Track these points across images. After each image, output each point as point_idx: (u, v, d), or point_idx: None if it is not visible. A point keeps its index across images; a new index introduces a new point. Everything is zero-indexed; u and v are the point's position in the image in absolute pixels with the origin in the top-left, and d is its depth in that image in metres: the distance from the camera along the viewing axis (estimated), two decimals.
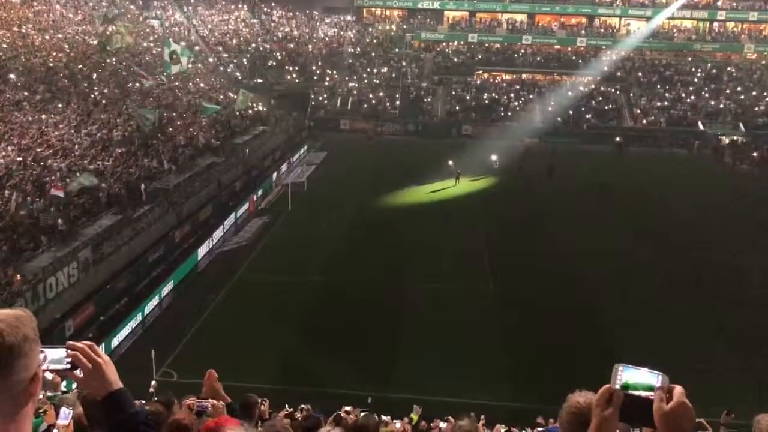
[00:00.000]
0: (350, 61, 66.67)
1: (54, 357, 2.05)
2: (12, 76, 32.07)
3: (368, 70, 65.60)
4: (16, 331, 1.73)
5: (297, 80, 62.82)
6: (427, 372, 19.36)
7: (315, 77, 63.53)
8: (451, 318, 22.97)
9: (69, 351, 2.06)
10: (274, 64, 64.10)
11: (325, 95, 61.79)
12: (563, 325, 22.44)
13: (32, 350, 1.77)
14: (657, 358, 20.16)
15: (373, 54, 67.89)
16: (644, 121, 59.88)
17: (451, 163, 42.00)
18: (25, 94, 31.14)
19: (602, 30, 71.70)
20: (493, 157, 44.74)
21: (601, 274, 27.35)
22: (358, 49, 68.47)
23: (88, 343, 2.11)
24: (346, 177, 41.46)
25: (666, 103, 61.78)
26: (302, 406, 12.70)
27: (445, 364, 19.84)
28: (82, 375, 2.07)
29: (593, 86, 64.15)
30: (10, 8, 42.15)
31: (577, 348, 20.86)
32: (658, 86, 64.19)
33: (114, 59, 43.11)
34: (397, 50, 68.57)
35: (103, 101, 35.77)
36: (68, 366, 2.06)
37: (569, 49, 69.98)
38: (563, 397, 2.61)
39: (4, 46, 35.54)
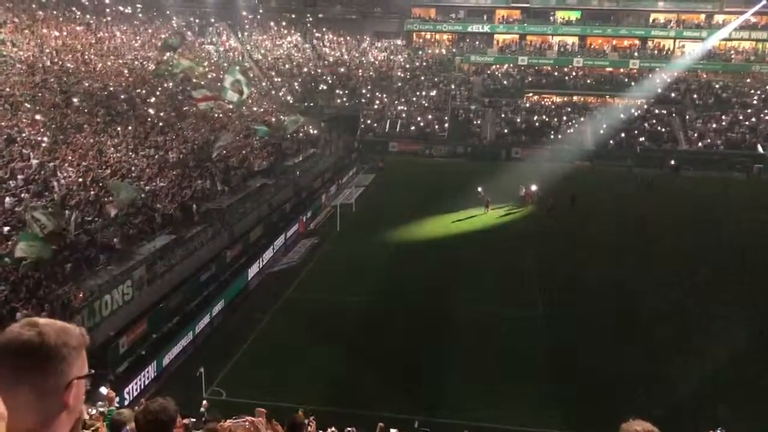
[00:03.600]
0: (399, 84, 67.21)
1: None
2: (75, 100, 33.36)
3: (417, 93, 65.99)
4: (58, 336, 1.77)
5: (347, 103, 63.63)
6: (473, 397, 19.09)
7: (365, 100, 64.24)
8: (498, 342, 22.67)
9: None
10: (325, 88, 65.11)
11: (374, 118, 62.38)
12: (611, 351, 21.90)
13: (72, 357, 1.80)
14: (710, 391, 19.50)
15: (422, 77, 68.31)
16: (700, 144, 58.45)
17: (480, 189, 40.68)
18: (87, 116, 32.34)
19: (656, 52, 70.53)
20: (533, 188, 42.11)
21: (650, 298, 26.67)
22: (407, 73, 69.01)
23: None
24: (395, 199, 41.60)
25: (723, 126, 60.22)
26: (348, 429, 12.69)
27: (492, 390, 19.54)
28: None
29: (646, 108, 63.06)
30: (75, 35, 44.01)
31: (626, 375, 20.33)
32: (715, 108, 62.63)
33: (171, 84, 44.46)
34: (446, 73, 68.83)
35: (160, 124, 36.86)
36: None
37: (621, 70, 69.06)
38: (614, 426, 2.56)
39: (69, 71, 37.05)
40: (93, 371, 1.95)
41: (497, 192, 40.95)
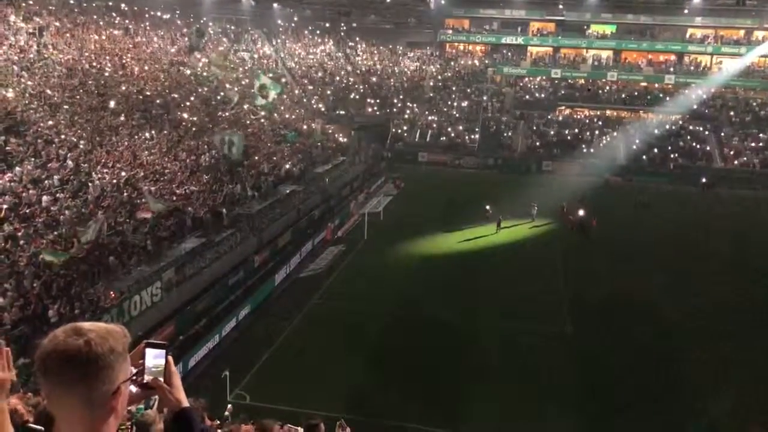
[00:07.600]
0: (431, 94, 67.22)
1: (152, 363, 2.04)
2: (112, 103, 33.94)
3: (448, 103, 65.92)
4: (104, 342, 1.78)
5: (378, 112, 63.80)
6: (500, 414, 18.88)
7: (395, 110, 64.35)
8: (526, 359, 22.43)
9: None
10: (357, 96, 65.37)
11: (404, 127, 62.45)
12: (642, 371, 21.54)
13: (118, 363, 1.81)
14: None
15: (454, 88, 68.24)
16: (736, 162, 57.37)
17: (488, 207, 39.75)
18: (122, 119, 32.88)
19: (692, 67, 69.53)
20: (581, 212, 39.75)
21: (681, 316, 26.20)
22: (439, 84, 68.98)
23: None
24: (423, 209, 41.50)
25: (760, 144, 59.05)
26: None
27: (520, 406, 19.32)
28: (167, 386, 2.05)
29: (681, 124, 62.14)
30: (113, 40, 44.85)
31: (656, 391, 19.96)
32: (752, 126, 61.44)
33: (205, 89, 45.03)
34: (478, 85, 68.68)
35: (193, 128, 37.31)
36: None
37: (656, 86, 68.18)
38: None
39: (106, 74, 37.75)
40: (136, 372, 1.95)
41: (526, 207, 40.63)
